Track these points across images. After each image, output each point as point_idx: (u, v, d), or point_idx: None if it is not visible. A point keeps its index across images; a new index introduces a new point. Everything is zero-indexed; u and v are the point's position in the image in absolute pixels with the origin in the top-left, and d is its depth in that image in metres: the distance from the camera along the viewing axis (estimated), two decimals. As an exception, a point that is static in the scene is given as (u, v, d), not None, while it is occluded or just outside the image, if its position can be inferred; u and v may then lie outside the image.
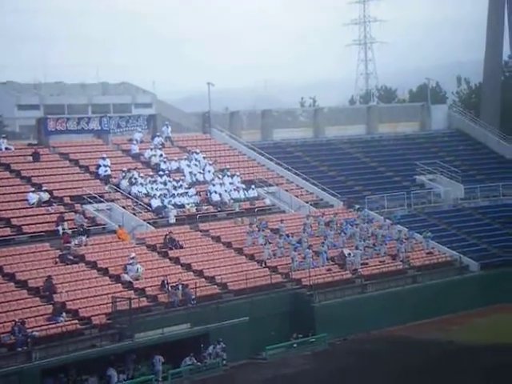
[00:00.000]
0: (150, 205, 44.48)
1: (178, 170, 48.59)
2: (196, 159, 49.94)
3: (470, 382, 34.14)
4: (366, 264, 45.28)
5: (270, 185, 50.34)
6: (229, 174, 49.41)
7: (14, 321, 33.24)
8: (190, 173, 48.53)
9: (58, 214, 40.89)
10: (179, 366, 35.98)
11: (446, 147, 62.56)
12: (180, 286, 38.26)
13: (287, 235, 44.95)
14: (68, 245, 39.02)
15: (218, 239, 44.07)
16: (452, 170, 57.33)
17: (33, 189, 42.43)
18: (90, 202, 42.74)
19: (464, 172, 58.35)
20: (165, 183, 46.48)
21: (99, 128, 48.80)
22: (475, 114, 68.00)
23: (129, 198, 44.47)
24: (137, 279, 38.56)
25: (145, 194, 45.14)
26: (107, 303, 36.11)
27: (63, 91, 76.32)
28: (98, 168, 45.93)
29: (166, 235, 42.15)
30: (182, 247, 42.22)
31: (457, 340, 40.28)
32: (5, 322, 33.45)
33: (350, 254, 44.83)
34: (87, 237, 39.84)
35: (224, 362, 36.93)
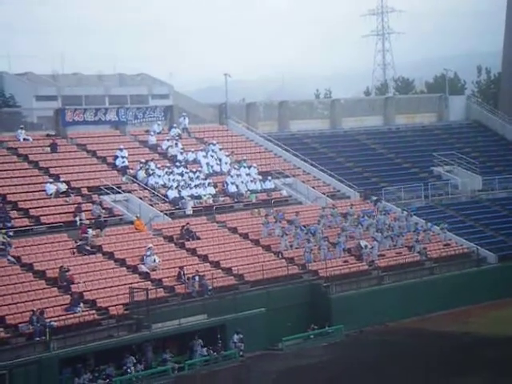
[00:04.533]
0: (166, 196, 44.58)
1: (195, 161, 48.65)
2: (213, 150, 49.98)
3: (486, 374, 34.02)
4: (383, 255, 45.21)
5: (287, 176, 50.31)
6: (245, 165, 49.42)
7: (32, 311, 33.47)
8: (207, 164, 48.58)
9: (75, 205, 41.08)
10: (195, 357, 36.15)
11: (463, 138, 62.26)
12: (197, 277, 38.36)
13: (304, 226, 44.92)
14: (85, 235, 39.21)
15: (234, 230, 44.12)
16: (470, 162, 57.05)
17: (51, 180, 42.62)
18: (108, 193, 42.89)
19: (482, 163, 58.07)
20: (182, 174, 46.56)
21: (116, 119, 48.93)
22: (494, 104, 67.53)
23: (146, 189, 44.58)
24: (154, 270, 38.70)
25: (162, 185, 45.24)
26: (124, 294, 36.29)
27: (81, 82, 76.63)
28: (115, 159, 46.06)
29: (183, 226, 42.25)
30: (198, 238, 42.30)
31: (474, 332, 40.12)
32: (23, 311, 33.69)
33: (366, 246, 44.74)
34: (101, 230, 39.94)
35: (241, 352, 37.04)
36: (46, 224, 39.53)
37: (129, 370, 34.00)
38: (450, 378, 33.79)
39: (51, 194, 41.63)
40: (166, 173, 46.10)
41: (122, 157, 46.04)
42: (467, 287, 45.53)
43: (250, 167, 49.35)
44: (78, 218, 40.20)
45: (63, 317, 34.09)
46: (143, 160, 46.35)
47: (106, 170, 45.36)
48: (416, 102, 66.03)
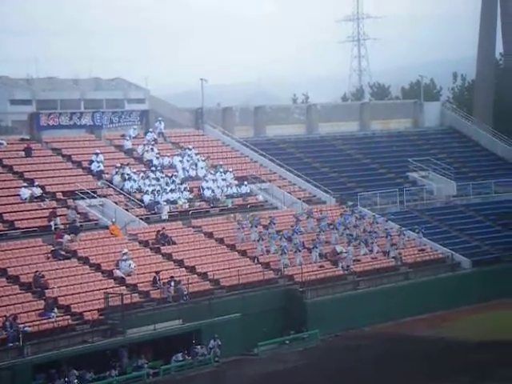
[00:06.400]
0: (142, 200, 44.44)
1: (171, 166, 48.56)
2: (189, 155, 49.91)
3: (461, 378, 34.23)
4: (359, 261, 45.35)
5: (263, 181, 50.36)
6: (221, 170, 49.40)
7: (5, 316, 33.20)
8: (183, 169, 48.51)
9: (50, 210, 40.83)
10: (170, 362, 36.05)
11: (438, 144, 62.66)
12: (172, 282, 38.25)
13: (277, 232, 44.90)
14: (60, 240, 38.97)
15: (210, 235, 44.07)
16: (444, 167, 57.42)
17: (25, 184, 42.33)
18: (83, 198, 42.67)
19: (456, 169, 58.47)
20: (157, 179, 46.45)
21: (92, 123, 48.72)
22: (468, 111, 68.09)
23: (121, 193, 44.41)
24: (129, 275, 38.54)
25: (137, 190, 45.11)
26: (99, 299, 36.11)
27: (56, 86, 76.12)
28: (90, 163, 45.85)
29: (159, 231, 42.13)
30: (174, 243, 42.20)
31: (448, 337, 40.38)
32: (-4, 317, 33.43)
33: (342, 251, 44.84)
34: (76, 234, 39.72)
35: (216, 358, 36.97)
36: (20, 229, 39.25)
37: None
38: (425, 382, 33.96)
39: (26, 199, 41.34)
40: (142, 177, 45.95)
41: (98, 161, 45.84)
42: (442, 292, 45.81)
43: (225, 172, 49.34)
44: (52, 223, 39.96)
45: (37, 322, 33.84)
46: (119, 164, 46.18)
47: (81, 175, 45.13)
48: (391, 108, 66.38)
